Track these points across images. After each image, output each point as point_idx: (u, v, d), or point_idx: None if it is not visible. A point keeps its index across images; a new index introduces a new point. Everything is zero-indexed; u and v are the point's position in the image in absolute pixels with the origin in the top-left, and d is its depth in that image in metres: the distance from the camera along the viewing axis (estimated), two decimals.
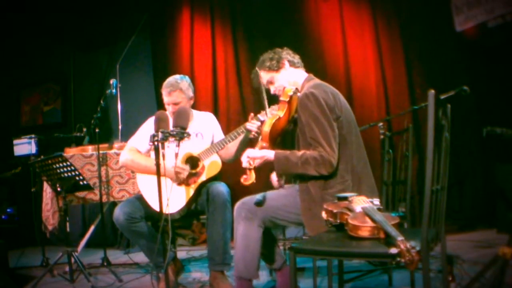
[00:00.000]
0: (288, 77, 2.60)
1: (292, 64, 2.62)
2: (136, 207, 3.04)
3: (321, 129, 2.32)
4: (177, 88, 3.17)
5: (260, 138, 2.50)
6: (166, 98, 3.20)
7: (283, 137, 2.63)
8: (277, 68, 2.60)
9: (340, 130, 2.39)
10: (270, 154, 2.42)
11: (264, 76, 2.64)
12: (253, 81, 2.72)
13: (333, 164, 2.31)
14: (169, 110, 3.17)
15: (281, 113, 2.48)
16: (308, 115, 2.35)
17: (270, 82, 2.64)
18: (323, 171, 2.31)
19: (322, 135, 2.32)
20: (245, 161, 2.44)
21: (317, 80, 2.58)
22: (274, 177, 2.70)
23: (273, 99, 2.72)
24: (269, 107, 2.74)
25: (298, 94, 2.48)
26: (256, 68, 2.67)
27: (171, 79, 3.24)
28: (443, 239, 2.04)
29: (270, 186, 2.79)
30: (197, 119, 3.34)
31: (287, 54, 2.63)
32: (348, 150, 2.40)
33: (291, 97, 2.49)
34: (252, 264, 2.52)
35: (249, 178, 2.44)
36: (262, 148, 2.45)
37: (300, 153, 2.36)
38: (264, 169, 2.54)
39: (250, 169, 2.43)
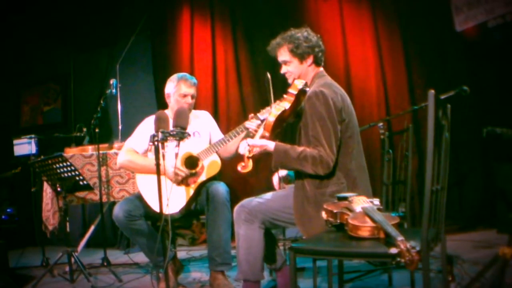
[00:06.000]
0: (305, 70, 2.52)
1: (315, 62, 2.53)
2: (135, 205, 3.04)
3: (324, 130, 2.31)
4: (196, 84, 3.26)
5: (263, 127, 2.46)
6: (186, 89, 3.19)
7: (284, 129, 2.60)
8: (303, 59, 2.50)
9: (343, 133, 2.37)
10: (270, 144, 2.39)
11: (284, 54, 2.53)
12: (271, 51, 2.59)
13: (330, 165, 2.30)
14: (186, 102, 3.17)
15: (287, 105, 2.44)
16: (313, 113, 2.33)
17: (285, 62, 2.54)
18: (319, 170, 2.30)
19: (324, 135, 2.30)
20: (243, 147, 2.43)
21: (328, 78, 2.52)
22: (275, 179, 2.68)
23: (276, 96, 2.67)
24: (274, 102, 2.70)
25: (307, 89, 2.44)
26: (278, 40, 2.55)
27: (186, 74, 3.28)
28: (443, 239, 2.03)
29: (270, 188, 2.78)
30: (193, 118, 3.33)
31: (320, 51, 2.52)
32: (348, 154, 2.38)
33: (299, 90, 2.44)
34: (257, 266, 2.53)
35: (246, 166, 2.43)
36: (263, 137, 2.42)
37: (300, 149, 2.34)
38: (264, 170, 2.53)
39: (248, 158, 2.42)
